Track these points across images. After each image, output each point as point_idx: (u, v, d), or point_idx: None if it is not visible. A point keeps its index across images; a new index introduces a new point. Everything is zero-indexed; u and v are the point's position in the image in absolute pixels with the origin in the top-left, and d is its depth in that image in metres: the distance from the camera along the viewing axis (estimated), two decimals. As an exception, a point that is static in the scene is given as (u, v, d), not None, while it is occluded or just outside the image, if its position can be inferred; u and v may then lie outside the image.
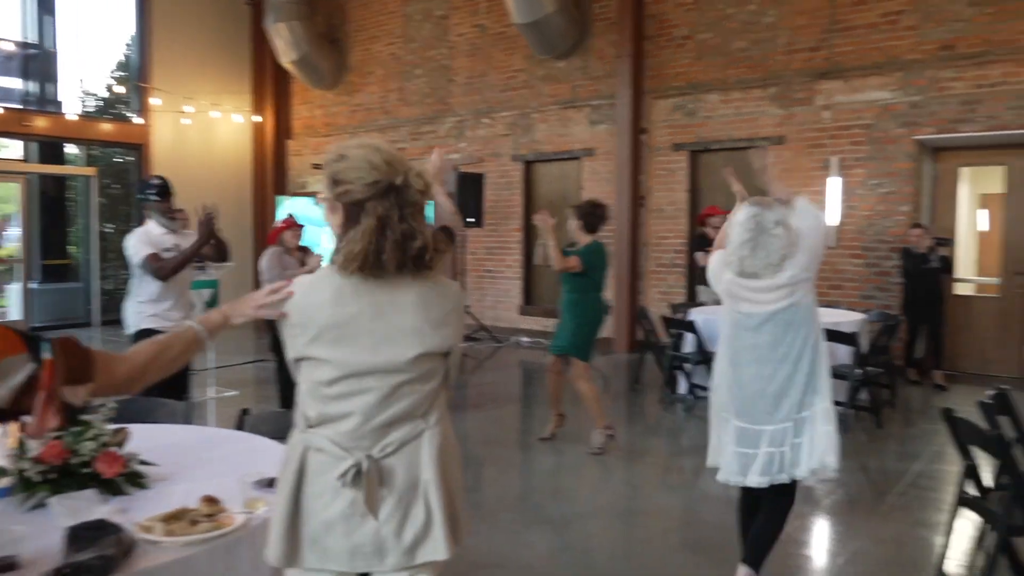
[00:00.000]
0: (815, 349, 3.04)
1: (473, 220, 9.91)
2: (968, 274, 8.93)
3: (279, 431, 2.47)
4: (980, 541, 3.81)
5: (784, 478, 3.01)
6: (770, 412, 3.02)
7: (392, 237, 1.70)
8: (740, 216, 3.09)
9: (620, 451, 5.75)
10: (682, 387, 6.96)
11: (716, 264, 3.25)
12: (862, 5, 8.19)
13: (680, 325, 6.82)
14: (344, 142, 1.81)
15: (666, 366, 7.00)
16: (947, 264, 7.56)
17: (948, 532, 3.44)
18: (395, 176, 1.71)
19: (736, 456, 3.09)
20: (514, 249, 10.99)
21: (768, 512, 3.14)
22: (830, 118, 8.42)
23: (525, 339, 10.44)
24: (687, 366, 6.81)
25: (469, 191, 9.91)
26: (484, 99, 11.20)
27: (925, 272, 7.41)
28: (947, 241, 7.80)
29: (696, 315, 6.88)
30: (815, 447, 3.00)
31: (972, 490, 3.35)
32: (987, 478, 3.41)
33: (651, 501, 4.69)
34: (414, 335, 1.75)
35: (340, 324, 1.73)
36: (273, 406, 5.64)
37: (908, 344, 7.71)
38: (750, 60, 8.94)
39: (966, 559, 3.71)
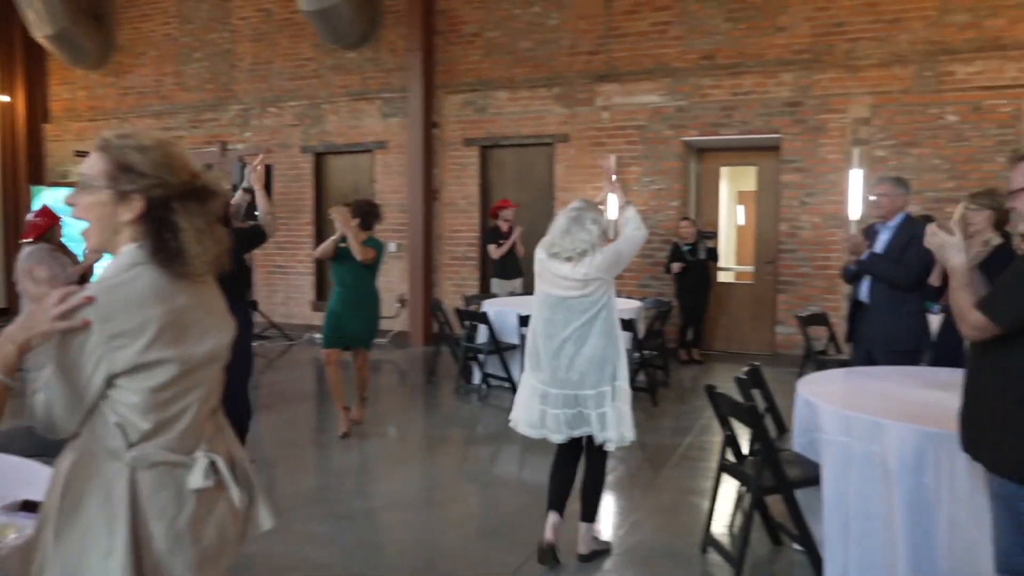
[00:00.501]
0: (608, 335, 3.44)
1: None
2: (728, 263, 9.91)
3: (36, 448, 2.24)
4: (739, 502, 4.27)
5: (588, 431, 3.47)
6: (568, 381, 3.44)
7: (204, 238, 1.68)
8: (568, 207, 3.54)
9: (417, 443, 5.80)
10: (476, 377, 7.13)
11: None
12: (635, 13, 8.80)
13: (473, 317, 6.97)
14: (130, 129, 1.72)
15: (460, 357, 7.13)
16: (713, 255, 8.35)
17: (713, 497, 3.81)
18: (199, 179, 1.70)
19: (539, 414, 3.51)
20: (305, 244, 10.67)
21: (590, 470, 3.63)
22: (608, 119, 8.98)
23: (319, 336, 10.16)
24: (481, 357, 6.98)
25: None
26: (271, 87, 10.74)
27: (694, 263, 8.13)
28: (711, 234, 8.61)
29: (489, 307, 7.06)
30: (613, 421, 3.44)
31: (731, 457, 3.73)
32: (745, 446, 3.82)
33: (448, 490, 4.76)
34: (224, 321, 1.82)
35: (176, 319, 1.65)
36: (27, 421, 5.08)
37: (682, 328, 8.42)
38: (536, 60, 9.30)
39: (728, 519, 4.13)
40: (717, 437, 5.39)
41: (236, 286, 4.31)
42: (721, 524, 4.06)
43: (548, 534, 3.58)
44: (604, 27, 8.94)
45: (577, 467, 3.67)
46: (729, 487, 4.29)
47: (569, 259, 3.40)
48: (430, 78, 9.66)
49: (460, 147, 9.77)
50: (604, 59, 8.95)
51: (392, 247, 10.08)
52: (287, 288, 10.88)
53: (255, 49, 10.80)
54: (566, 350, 3.42)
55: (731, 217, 10.42)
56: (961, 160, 7.71)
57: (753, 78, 8.37)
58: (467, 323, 7.10)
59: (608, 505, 4.48)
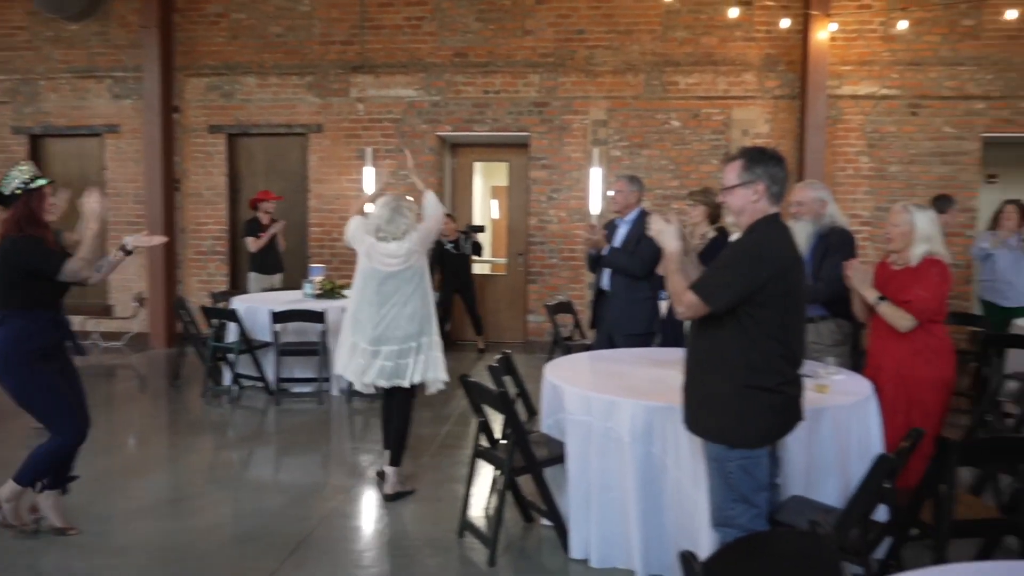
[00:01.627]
0: (424, 298, 4.32)
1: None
2: (485, 256, 10.24)
3: None
4: (494, 485, 4.43)
5: (402, 383, 4.26)
6: (391, 338, 4.23)
7: None
8: (383, 199, 4.38)
9: (162, 452, 5.37)
10: (227, 378, 6.74)
11: (357, 230, 4.36)
12: (389, 7, 8.78)
13: (222, 314, 6.58)
14: None
15: (208, 358, 6.70)
16: (477, 249, 8.60)
17: (468, 482, 3.93)
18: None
19: (360, 367, 4.25)
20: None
21: (398, 414, 4.40)
22: (364, 110, 8.89)
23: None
24: (231, 357, 6.61)
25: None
26: (-30, 57, 9.34)
27: (456, 257, 8.31)
28: (479, 228, 8.87)
29: (238, 303, 6.71)
30: (428, 365, 4.31)
31: (485, 442, 3.87)
32: (500, 431, 3.98)
33: (199, 499, 4.46)
34: None
35: None
36: None
37: (441, 319, 8.57)
38: (287, 46, 8.95)
39: (485, 502, 4.28)
40: (474, 425, 5.59)
41: None
42: (479, 508, 4.20)
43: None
44: (358, 17, 8.82)
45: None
46: (486, 471, 4.46)
47: (396, 239, 4.22)
48: (168, 58, 8.93)
49: (204, 134, 9.15)
50: (358, 50, 8.84)
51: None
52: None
53: (-51, 12, 9.33)
54: (392, 312, 4.21)
55: (485, 211, 10.78)
56: (683, 161, 8.60)
57: (503, 77, 8.71)
58: (215, 321, 6.69)
59: (368, 498, 4.46)
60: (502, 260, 9.77)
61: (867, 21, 8.36)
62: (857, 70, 8.39)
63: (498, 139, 9.04)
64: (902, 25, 8.09)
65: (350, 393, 6.53)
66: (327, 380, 6.53)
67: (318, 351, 6.40)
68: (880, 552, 3.03)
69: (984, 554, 3.08)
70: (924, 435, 2.94)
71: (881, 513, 3.00)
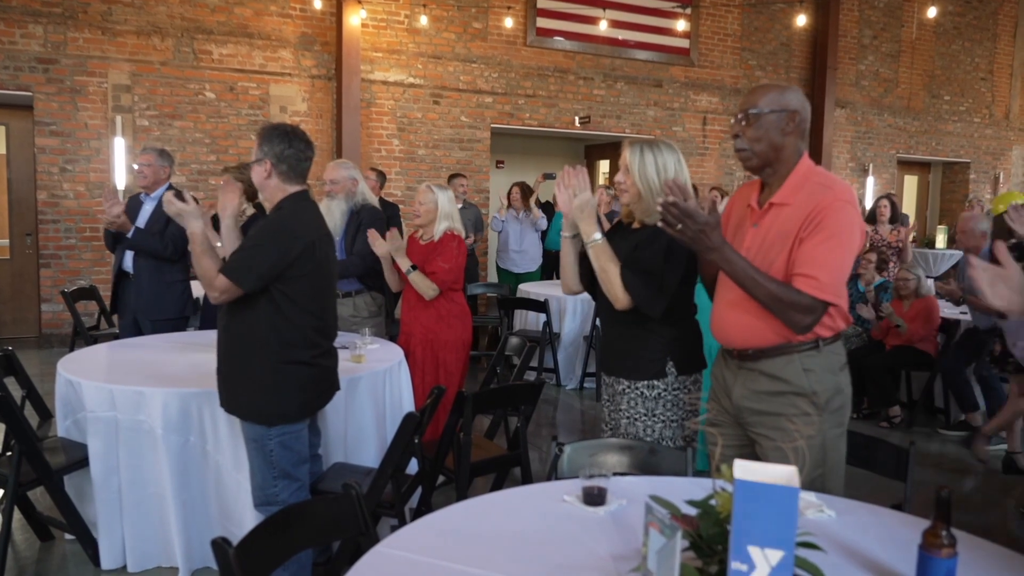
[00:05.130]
0: None
1: None
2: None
3: None
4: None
5: None
6: None
7: None
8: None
9: None
10: None
11: None
12: None
13: None
14: None
15: None
16: None
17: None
18: None
19: None
20: None
21: None
22: None
23: None
24: None
25: None
26: None
27: None
28: None
29: None
30: None
31: (-17, 458, 3.27)
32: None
33: None
34: None
35: None
36: None
37: None
38: None
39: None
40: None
41: None
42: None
43: None
44: None
45: None
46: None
47: None
48: None
49: None
50: None
51: None
52: None
53: None
54: None
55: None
56: (220, 135, 8.23)
57: (-7, 24, 7.31)
58: None
59: None
60: (4, 242, 8.26)
61: (394, 12, 8.92)
62: (387, 57, 8.93)
63: (-8, 97, 7.59)
64: (423, 20, 8.83)
65: None
66: None
67: None
68: (413, 502, 3.32)
69: (497, 486, 3.58)
70: (445, 392, 3.29)
71: (413, 466, 3.29)
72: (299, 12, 8.48)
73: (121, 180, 7.70)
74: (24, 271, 7.95)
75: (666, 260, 2.53)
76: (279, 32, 8.43)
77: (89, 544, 3.20)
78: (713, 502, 1.50)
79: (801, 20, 10.40)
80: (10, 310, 7.91)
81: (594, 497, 1.94)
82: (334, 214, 4.30)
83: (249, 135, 8.24)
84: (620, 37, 10.03)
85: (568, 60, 9.92)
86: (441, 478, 3.41)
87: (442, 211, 4.16)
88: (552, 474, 2.38)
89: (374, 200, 4.57)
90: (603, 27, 9.54)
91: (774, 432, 2.19)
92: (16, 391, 3.66)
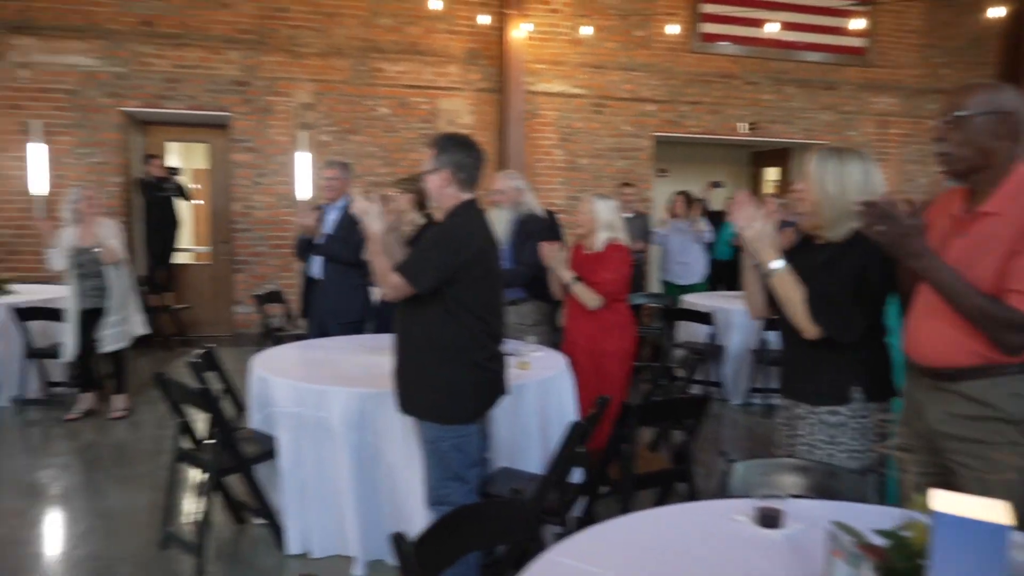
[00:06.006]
0: None
1: None
2: (183, 244, 9.48)
3: None
4: (200, 488, 4.15)
5: None
6: None
7: None
8: None
9: None
10: None
11: None
12: (56, -39, 7.71)
13: None
14: None
15: None
16: (183, 192, 8.35)
17: (169, 489, 3.63)
18: None
19: None
20: None
21: None
22: (28, 78, 7.74)
23: None
24: None
25: None
26: None
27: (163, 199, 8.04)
28: (176, 170, 8.40)
29: None
30: None
31: (188, 444, 3.61)
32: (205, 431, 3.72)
33: None
34: None
35: None
36: None
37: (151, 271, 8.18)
38: (-79, -4, 7.50)
39: (191, 508, 3.99)
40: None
41: None
42: (185, 516, 3.91)
43: None
44: (17, -30, 7.64)
45: None
46: (193, 476, 4.16)
47: None
48: None
49: None
50: (19, 7, 7.66)
51: None
52: None
53: None
54: None
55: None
56: (393, 149, 8.66)
57: (199, 52, 8.09)
58: None
59: (51, 521, 3.94)
60: (205, 248, 9.11)
61: (557, 24, 9.04)
62: (550, 68, 9.05)
63: (195, 118, 8.39)
64: (586, 31, 8.88)
65: (23, 402, 5.71)
66: (-9, 389, 5.65)
67: (-23, 357, 5.50)
68: (577, 511, 3.33)
69: (661, 501, 3.53)
70: (610, 401, 3.28)
71: (577, 475, 3.30)
72: (466, 28, 8.78)
73: (304, 192, 8.27)
74: (220, 275, 8.72)
75: (858, 281, 2.32)
76: (447, 48, 8.76)
77: (277, 530, 3.46)
78: (906, 533, 1.41)
79: (996, 12, 9.52)
80: (208, 311, 8.70)
81: (769, 518, 1.87)
82: (499, 223, 4.41)
83: (419, 148, 8.61)
84: (789, 39, 9.62)
85: (733, 65, 9.63)
86: (604, 488, 3.40)
87: (601, 221, 4.16)
88: (721, 491, 2.31)
89: (539, 210, 4.64)
90: (771, 29, 9.19)
91: (976, 461, 2.01)
92: (216, 385, 4.01)
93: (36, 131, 7.70)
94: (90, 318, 5.36)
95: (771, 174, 11.11)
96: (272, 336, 6.12)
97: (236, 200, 8.37)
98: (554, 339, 4.51)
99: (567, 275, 4.09)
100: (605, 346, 4.11)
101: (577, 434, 2.84)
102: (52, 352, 5.64)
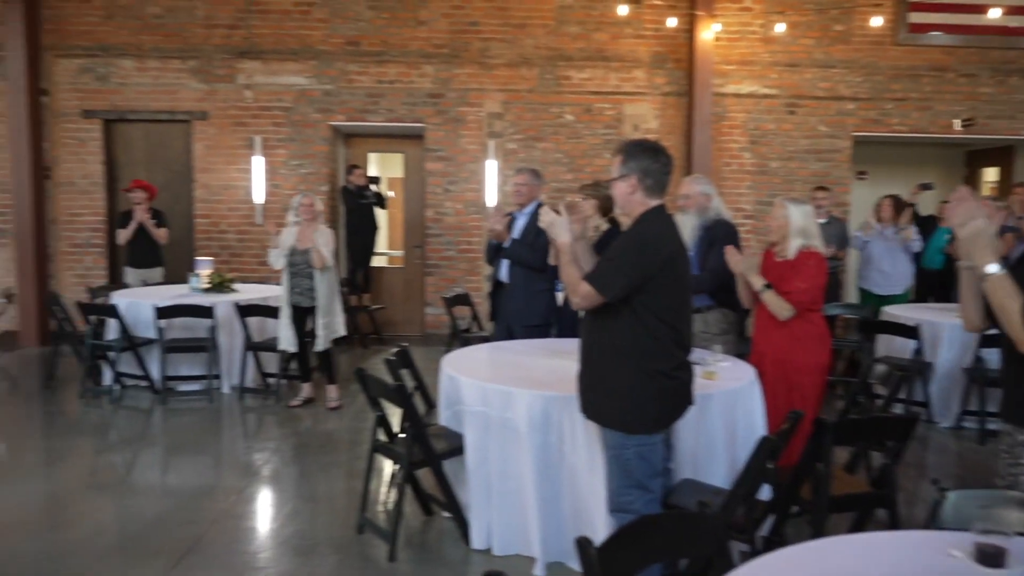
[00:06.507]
0: None
1: None
2: (380, 248, 10.10)
3: None
4: (393, 479, 4.41)
5: None
6: None
7: None
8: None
9: (36, 457, 5.05)
10: (107, 378, 6.39)
11: None
12: (276, -9, 8.50)
13: (100, 310, 6.23)
14: None
15: (86, 357, 6.33)
16: (380, 200, 8.78)
17: (367, 478, 3.88)
18: None
19: None
20: None
21: None
22: (252, 97, 8.58)
23: None
24: (111, 354, 6.27)
25: None
26: None
27: (364, 206, 8.54)
28: (376, 179, 8.84)
29: (118, 299, 6.37)
30: None
31: (383, 437, 3.84)
32: (397, 425, 3.95)
33: (77, 507, 4.22)
34: None
35: None
36: None
37: (352, 272, 8.71)
38: (166, 28, 8.53)
39: (385, 497, 4.25)
40: (371, 420, 5.51)
41: None
42: (379, 504, 4.16)
43: None
44: (244, 2, 8.50)
45: None
46: (386, 466, 4.42)
47: None
48: (34, 36, 8.33)
49: (77, 119, 8.60)
50: (245, 35, 8.52)
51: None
52: None
53: None
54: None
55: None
56: (577, 155, 8.75)
57: (397, 68, 8.60)
58: (93, 318, 6.32)
59: (263, 499, 4.34)
60: (399, 252, 9.67)
61: (748, 23, 8.73)
62: (740, 69, 8.75)
63: (393, 130, 8.93)
64: (779, 28, 8.49)
65: (242, 390, 6.33)
66: (217, 377, 6.30)
67: (207, 347, 6.15)
68: (764, 529, 3.19)
69: (858, 526, 3.30)
70: (803, 417, 3.12)
71: (765, 492, 3.17)
72: (652, 32, 8.69)
73: (491, 198, 8.55)
74: (413, 278, 9.21)
75: None
76: (633, 53, 8.71)
77: (462, 524, 3.60)
78: None
79: None
80: (401, 312, 9.21)
81: (991, 557, 1.70)
82: (685, 229, 4.32)
83: (603, 154, 8.64)
84: (1014, 25, 8.68)
85: (946, 56, 8.83)
86: (794, 508, 3.24)
87: (795, 227, 3.95)
88: (931, 522, 2.13)
89: (728, 215, 4.50)
90: (993, 15, 8.32)
91: None
92: (409, 382, 4.24)
93: (257, 146, 8.52)
94: (301, 315, 5.86)
95: (989, 175, 10.07)
96: (459, 337, 6.36)
97: (428, 207, 8.81)
98: (741, 349, 4.35)
99: (758, 282, 3.93)
100: (797, 358, 3.90)
101: (767, 449, 2.72)
102: (268, 345, 6.21)
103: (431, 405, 4.55)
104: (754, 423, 3.48)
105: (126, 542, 3.75)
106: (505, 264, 4.98)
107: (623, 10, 8.05)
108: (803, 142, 8.85)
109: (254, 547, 3.73)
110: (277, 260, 5.83)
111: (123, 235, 7.44)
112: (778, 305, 3.87)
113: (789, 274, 3.91)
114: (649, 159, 2.73)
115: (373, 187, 8.69)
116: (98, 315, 6.28)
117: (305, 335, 5.95)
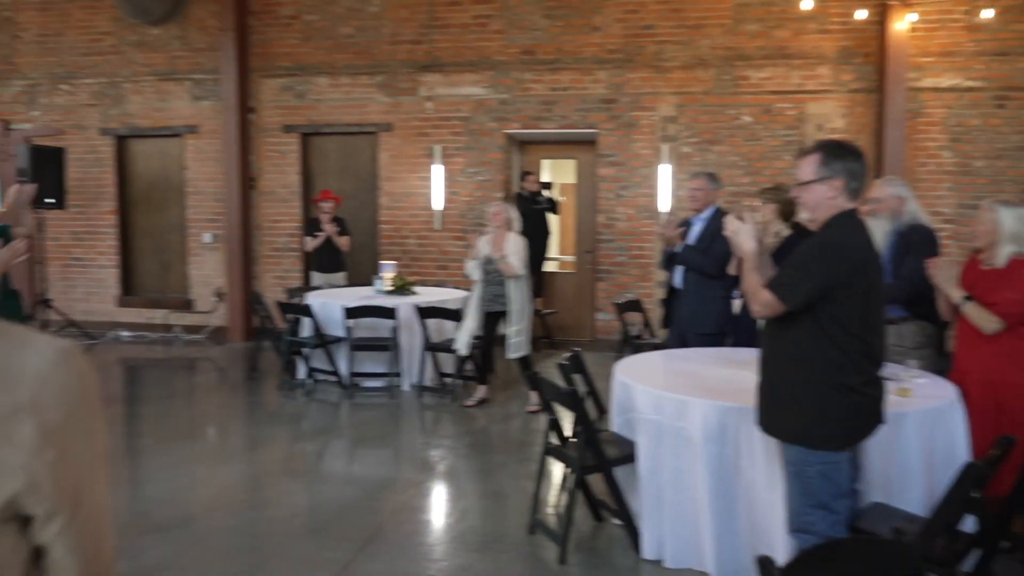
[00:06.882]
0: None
1: (53, 201, 8.61)
2: (552, 254, 10.23)
3: None
4: (564, 483, 4.44)
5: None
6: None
7: None
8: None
9: (240, 443, 5.55)
10: (301, 372, 6.92)
11: None
12: (456, 6, 8.84)
13: (296, 310, 6.76)
14: None
15: (284, 352, 6.90)
16: (552, 205, 8.89)
17: (539, 480, 3.95)
18: None
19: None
20: (108, 234, 9.85)
21: None
22: (432, 109, 8.98)
23: (126, 333, 9.46)
24: (305, 351, 6.78)
25: (46, 167, 8.55)
26: (61, 62, 9.78)
27: (538, 211, 8.64)
28: (548, 185, 8.97)
29: (312, 299, 6.87)
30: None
31: (555, 440, 3.88)
32: (569, 429, 3.98)
33: (274, 490, 4.60)
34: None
35: None
36: None
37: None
38: (356, 47, 9.11)
39: (555, 500, 4.30)
40: (544, 422, 5.60)
41: None
42: (549, 506, 4.22)
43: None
44: (426, 17, 8.92)
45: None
46: (556, 469, 4.47)
47: None
48: (244, 60, 9.20)
49: (279, 133, 9.39)
50: (427, 49, 8.94)
51: (207, 238, 9.56)
52: (86, 283, 10.00)
53: (42, 19, 9.79)
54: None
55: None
56: (755, 157, 8.42)
57: (571, 74, 8.68)
58: (290, 316, 6.87)
59: (439, 493, 4.52)
60: (570, 258, 9.74)
61: (949, 10, 8.03)
62: (939, 61, 8.07)
63: (566, 136, 9.02)
64: (987, 14, 7.74)
65: (420, 388, 6.63)
66: (398, 375, 6.64)
67: (389, 347, 6.50)
68: (968, 564, 2.92)
69: (1079, 568, 2.95)
70: (1015, 443, 2.83)
71: (969, 523, 2.90)
72: (839, 26, 8.20)
73: (665, 203, 8.42)
74: (584, 283, 9.25)
75: None
76: (817, 49, 8.27)
77: (632, 532, 3.57)
78: None
79: None
80: (572, 316, 9.28)
81: None
82: (876, 235, 4.04)
83: (783, 156, 8.26)
84: None
85: None
86: (1004, 543, 2.93)
87: (1005, 232, 3.58)
88: None
89: (926, 219, 4.16)
90: None
91: None
92: (581, 387, 4.26)
93: (437, 155, 8.90)
94: (491, 320, 6.06)
95: None
96: (630, 343, 6.32)
97: (600, 212, 8.81)
98: (940, 365, 4.01)
99: (956, 294, 3.61)
100: (1007, 377, 3.53)
101: (972, 476, 2.49)
102: (446, 347, 6.46)
103: (602, 411, 4.55)
104: (956, 447, 3.19)
105: (317, 525, 4.04)
106: (679, 270, 4.90)
107: (807, 4, 7.66)
108: (1014, 138, 8.02)
109: (431, 539, 3.89)
110: (473, 271, 6.07)
111: (310, 243, 8.01)
112: (983, 318, 3.53)
113: (998, 284, 3.56)
114: (855, 160, 2.59)
115: (546, 192, 8.81)
116: (294, 314, 6.81)
117: (493, 340, 6.14)
